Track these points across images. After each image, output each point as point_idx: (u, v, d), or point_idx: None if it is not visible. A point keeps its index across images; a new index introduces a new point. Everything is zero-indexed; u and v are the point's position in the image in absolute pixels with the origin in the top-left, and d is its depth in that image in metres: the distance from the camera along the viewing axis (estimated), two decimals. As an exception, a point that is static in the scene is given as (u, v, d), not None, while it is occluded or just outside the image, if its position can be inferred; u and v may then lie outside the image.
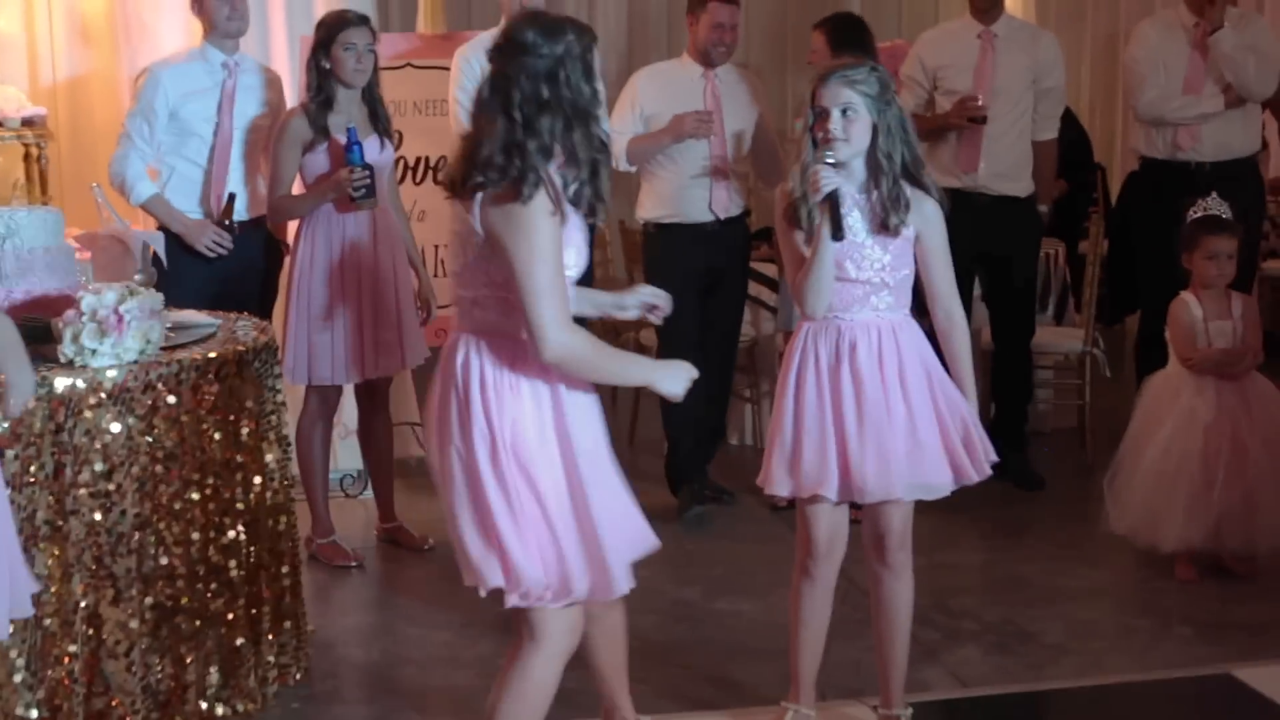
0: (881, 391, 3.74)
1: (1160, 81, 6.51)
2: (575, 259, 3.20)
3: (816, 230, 3.72)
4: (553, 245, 3.06)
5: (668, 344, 5.99)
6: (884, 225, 3.73)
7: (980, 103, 6.21)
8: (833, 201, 3.68)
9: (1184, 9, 6.51)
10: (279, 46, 6.37)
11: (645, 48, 10.02)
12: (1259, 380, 5.26)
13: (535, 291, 3.04)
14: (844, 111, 3.70)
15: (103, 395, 3.78)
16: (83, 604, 3.80)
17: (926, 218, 3.76)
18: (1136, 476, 5.22)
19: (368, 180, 5.30)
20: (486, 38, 5.85)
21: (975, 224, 6.27)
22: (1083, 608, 5.05)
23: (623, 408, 7.31)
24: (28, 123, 6.32)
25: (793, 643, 4.01)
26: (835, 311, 3.79)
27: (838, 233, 3.68)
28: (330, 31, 5.38)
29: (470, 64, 5.71)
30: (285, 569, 4.35)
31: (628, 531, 3.28)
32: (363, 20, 5.43)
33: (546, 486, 3.16)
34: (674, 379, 3.27)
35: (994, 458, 3.86)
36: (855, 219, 3.74)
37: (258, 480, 4.19)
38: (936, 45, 6.54)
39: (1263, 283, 8.19)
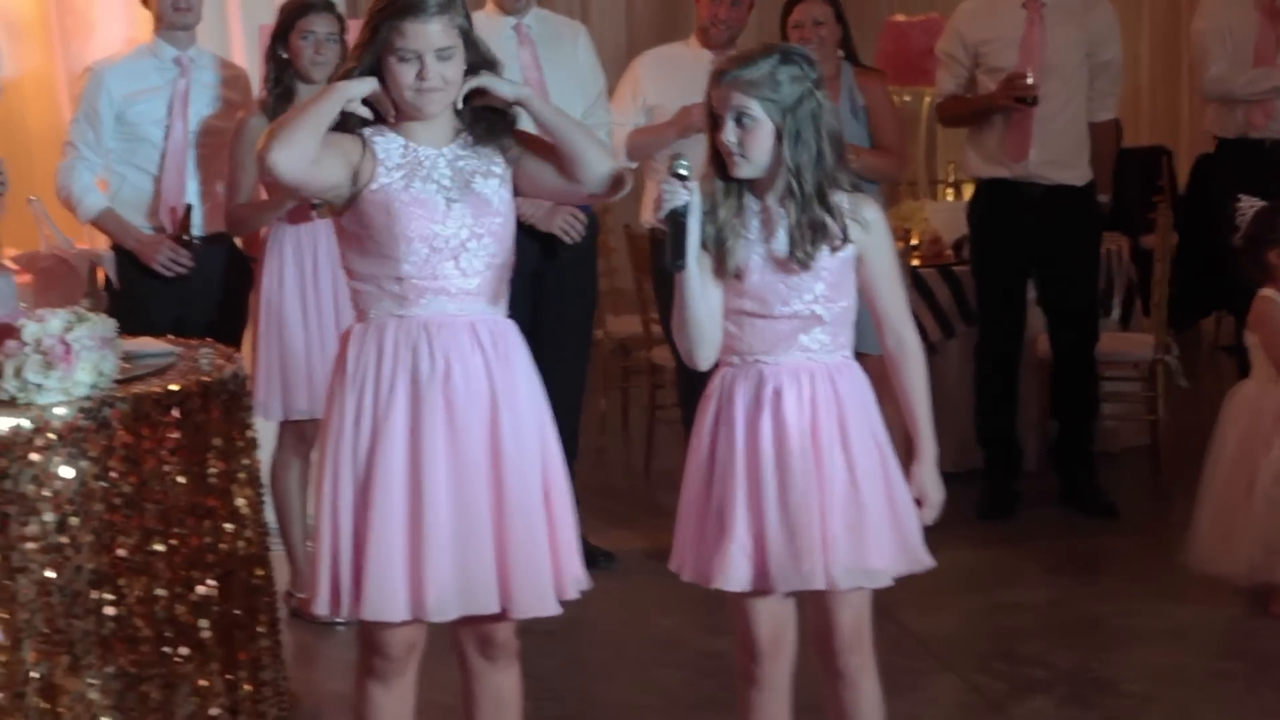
0: (812, 450, 3.39)
1: (1227, 53, 6.52)
2: None
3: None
4: None
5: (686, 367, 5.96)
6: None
7: (1030, 80, 6.19)
8: (674, 222, 3.34)
9: (1251, -32, 6.54)
10: (237, 37, 6.35)
11: (649, 29, 10.07)
12: None
13: None
14: (739, 119, 3.37)
15: (51, 436, 3.74)
16: (34, 674, 3.75)
17: (869, 228, 3.41)
18: (1239, 509, 5.15)
19: None
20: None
21: (1027, 218, 6.30)
22: (1166, 651, 5.03)
23: (636, 439, 7.28)
24: (-49, 131, 6.33)
25: None
26: (756, 354, 3.47)
27: (675, 260, 3.35)
28: (289, 18, 5.35)
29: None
30: (262, 628, 4.29)
31: None
32: (327, 6, 5.38)
33: None
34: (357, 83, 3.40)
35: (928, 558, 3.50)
36: (775, 243, 3.42)
37: (229, 528, 4.14)
38: (977, 18, 6.53)
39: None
